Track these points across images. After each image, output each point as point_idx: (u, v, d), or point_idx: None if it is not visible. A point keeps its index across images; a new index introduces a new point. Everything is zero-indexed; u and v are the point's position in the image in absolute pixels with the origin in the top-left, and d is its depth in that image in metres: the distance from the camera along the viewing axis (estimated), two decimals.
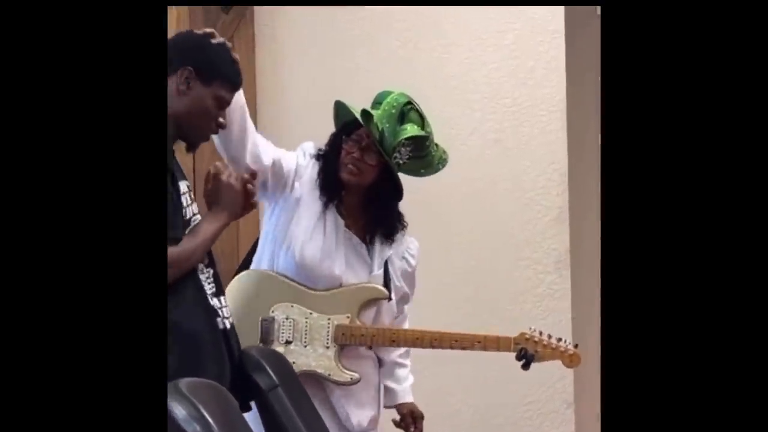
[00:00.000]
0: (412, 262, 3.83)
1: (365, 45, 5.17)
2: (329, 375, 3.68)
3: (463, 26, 5.16)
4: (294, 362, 3.63)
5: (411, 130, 3.67)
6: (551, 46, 5.10)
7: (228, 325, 3.23)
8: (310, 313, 3.68)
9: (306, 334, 3.68)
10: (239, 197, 3.26)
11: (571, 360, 3.71)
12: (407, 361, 3.90)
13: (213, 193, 3.27)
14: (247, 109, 3.59)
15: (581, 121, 5.10)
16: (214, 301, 3.21)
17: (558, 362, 3.74)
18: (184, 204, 3.18)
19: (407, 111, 3.70)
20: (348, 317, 3.69)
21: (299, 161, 3.72)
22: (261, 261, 3.75)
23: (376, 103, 3.74)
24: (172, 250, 3.09)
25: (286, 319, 3.68)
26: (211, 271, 3.25)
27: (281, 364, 3.45)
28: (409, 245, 3.82)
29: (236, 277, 3.74)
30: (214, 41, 3.26)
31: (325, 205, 3.71)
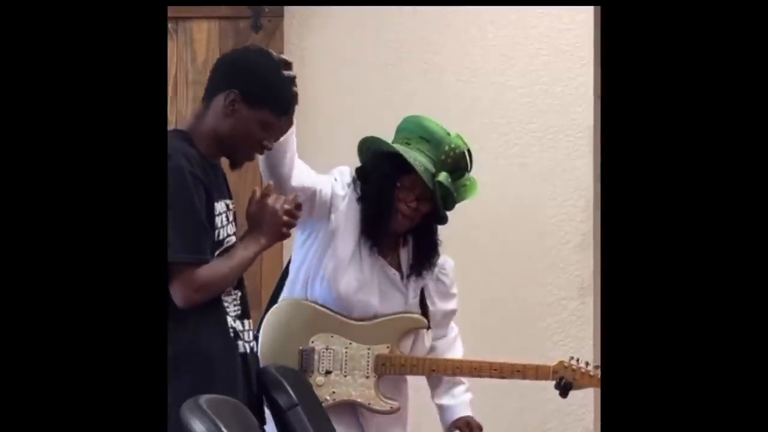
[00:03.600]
0: (446, 280, 3.84)
1: (392, 67, 5.17)
2: (369, 404, 3.71)
3: (490, 50, 5.16)
4: (334, 392, 3.67)
5: (472, 187, 3.67)
6: (579, 73, 5.10)
7: (248, 349, 3.21)
8: (350, 344, 3.69)
9: (346, 364, 3.69)
10: (281, 222, 3.22)
11: None
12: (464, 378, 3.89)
13: (256, 216, 3.23)
14: (294, 132, 3.55)
15: None
16: (236, 324, 3.19)
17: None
18: (219, 224, 3.14)
19: (461, 158, 3.66)
20: (388, 347, 3.71)
21: (335, 190, 3.68)
22: (294, 290, 3.74)
23: (422, 138, 3.65)
24: (202, 274, 3.07)
25: (326, 349, 3.69)
26: (239, 294, 3.23)
27: (300, 382, 3.45)
28: (443, 265, 3.82)
29: (275, 306, 3.73)
30: (272, 61, 3.21)
31: (363, 238, 3.69)
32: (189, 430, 2.56)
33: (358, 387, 3.69)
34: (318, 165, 3.80)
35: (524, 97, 5.13)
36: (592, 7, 5.06)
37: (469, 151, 3.69)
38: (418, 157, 3.63)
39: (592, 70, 5.07)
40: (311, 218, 3.65)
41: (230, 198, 3.24)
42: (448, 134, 3.68)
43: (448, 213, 3.74)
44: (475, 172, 3.84)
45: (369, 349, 3.69)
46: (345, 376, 3.68)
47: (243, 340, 3.20)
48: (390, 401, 3.72)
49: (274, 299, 3.79)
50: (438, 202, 3.65)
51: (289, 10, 5.16)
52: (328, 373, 3.68)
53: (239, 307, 3.21)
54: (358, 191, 3.70)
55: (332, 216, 3.67)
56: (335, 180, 3.71)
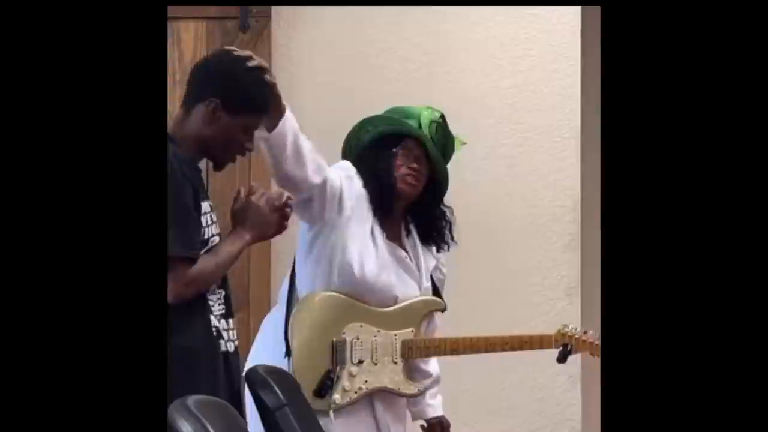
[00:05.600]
0: (445, 270, 3.98)
1: (380, 68, 5.17)
2: (399, 389, 3.80)
3: (478, 51, 5.17)
4: (366, 380, 3.75)
5: (458, 140, 3.85)
6: (567, 73, 5.12)
7: (231, 348, 3.24)
8: (378, 331, 3.78)
9: (376, 351, 3.77)
10: (266, 220, 3.27)
11: (598, 351, 3.86)
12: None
13: (240, 213, 3.28)
14: (298, 132, 3.58)
15: (595, 149, 5.10)
16: (221, 323, 3.21)
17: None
18: (204, 224, 3.18)
19: (440, 122, 3.82)
20: (412, 331, 3.82)
21: (344, 181, 3.74)
22: (314, 282, 3.77)
23: (405, 118, 3.81)
24: (191, 270, 3.09)
25: (357, 339, 3.75)
26: (223, 293, 3.25)
27: (288, 381, 3.44)
28: (440, 256, 3.95)
29: (302, 302, 3.77)
30: (248, 64, 3.24)
31: (376, 222, 3.77)
32: (176, 431, 2.56)
33: (388, 373, 3.77)
34: None
35: (512, 97, 5.14)
36: (579, 9, 5.08)
37: (443, 115, 3.85)
38: (406, 122, 3.78)
39: (579, 71, 5.08)
40: (320, 209, 3.69)
41: (209, 199, 3.28)
42: (421, 107, 3.84)
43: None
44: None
45: (395, 334, 3.78)
46: (375, 364, 3.76)
47: (225, 339, 3.22)
48: (417, 384, 3.84)
49: (290, 298, 3.82)
50: (434, 155, 3.74)
51: (277, 11, 5.16)
52: (360, 362, 3.75)
53: (224, 306, 3.24)
54: (362, 178, 3.78)
55: (345, 206, 3.72)
56: (342, 173, 3.77)
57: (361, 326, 3.75)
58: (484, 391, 4.96)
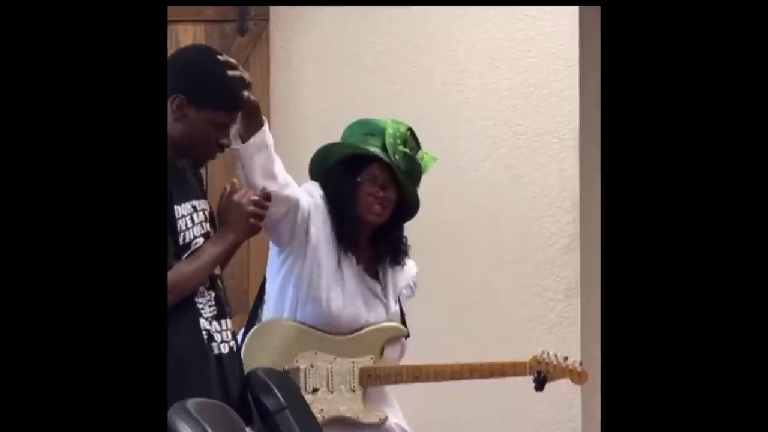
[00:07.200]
0: (414, 288, 3.88)
1: (379, 70, 5.17)
2: (358, 417, 3.70)
3: (477, 53, 5.17)
4: (322, 409, 3.66)
5: (429, 160, 3.71)
6: (565, 75, 5.12)
7: (225, 350, 3.16)
8: (334, 359, 3.69)
9: (331, 379, 3.69)
10: (249, 217, 3.19)
11: (579, 377, 3.79)
12: None
13: (224, 212, 3.20)
14: (272, 147, 3.51)
15: (594, 150, 5.11)
16: (213, 325, 3.14)
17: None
18: (183, 227, 3.10)
19: (409, 137, 3.69)
20: (372, 358, 3.72)
21: (311, 206, 3.66)
22: (282, 309, 3.71)
23: (369, 134, 3.68)
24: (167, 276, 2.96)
25: (311, 366, 3.68)
26: (213, 294, 3.17)
27: (289, 385, 3.44)
28: (412, 271, 3.86)
29: (256, 329, 3.71)
30: (214, 60, 3.15)
31: (342, 250, 3.69)
32: None
33: (346, 401, 3.69)
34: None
35: (511, 99, 5.14)
36: (577, 10, 5.08)
37: (411, 129, 3.71)
38: (370, 148, 3.65)
39: (578, 72, 5.09)
40: (291, 235, 3.63)
41: (199, 198, 3.19)
42: (386, 120, 3.70)
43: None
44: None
45: (353, 362, 3.70)
46: (331, 392, 3.69)
47: (217, 341, 3.14)
48: (377, 412, 3.73)
49: (251, 321, 3.77)
50: (402, 180, 3.63)
51: (276, 14, 5.16)
52: (315, 390, 3.67)
53: (215, 308, 3.16)
54: (327, 204, 3.70)
55: (311, 232, 3.65)
56: (308, 196, 3.68)
57: (315, 354, 3.68)
58: (484, 391, 4.96)
